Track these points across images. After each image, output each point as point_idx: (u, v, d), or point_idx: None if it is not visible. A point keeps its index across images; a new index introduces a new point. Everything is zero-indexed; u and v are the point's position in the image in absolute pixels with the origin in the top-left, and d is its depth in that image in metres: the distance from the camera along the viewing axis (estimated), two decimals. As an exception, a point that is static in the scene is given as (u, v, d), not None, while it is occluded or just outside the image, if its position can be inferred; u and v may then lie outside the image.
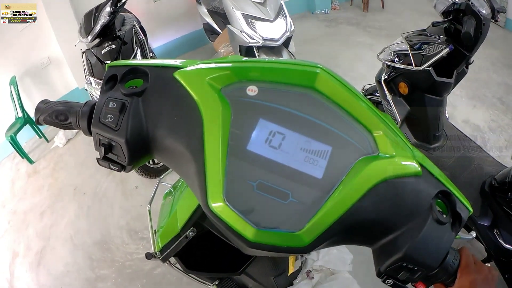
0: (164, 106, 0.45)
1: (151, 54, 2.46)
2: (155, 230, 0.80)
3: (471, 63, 1.59)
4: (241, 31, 2.41)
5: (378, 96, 1.83)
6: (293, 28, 2.48)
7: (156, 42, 3.77)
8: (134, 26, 2.32)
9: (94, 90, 2.09)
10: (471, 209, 0.45)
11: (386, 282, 0.44)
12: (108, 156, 0.47)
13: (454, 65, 1.53)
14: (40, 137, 3.14)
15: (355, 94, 0.43)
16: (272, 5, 2.47)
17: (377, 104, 1.84)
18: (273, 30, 2.41)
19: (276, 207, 0.38)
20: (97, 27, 2.09)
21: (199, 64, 0.46)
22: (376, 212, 0.40)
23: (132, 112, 0.45)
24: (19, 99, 2.87)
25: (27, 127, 2.97)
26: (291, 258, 0.78)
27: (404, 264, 0.41)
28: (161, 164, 2.35)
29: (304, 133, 0.41)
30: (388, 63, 1.61)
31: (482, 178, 1.48)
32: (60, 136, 3.02)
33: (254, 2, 2.45)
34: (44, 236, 2.28)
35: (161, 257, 0.72)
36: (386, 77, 1.65)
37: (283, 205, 0.38)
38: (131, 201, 2.40)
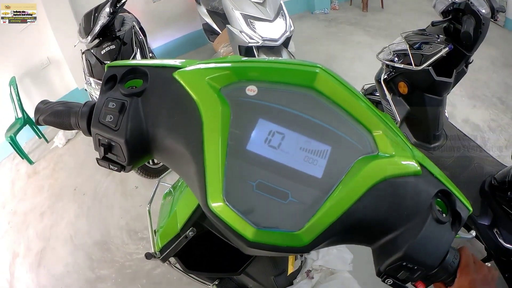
0: (163, 106, 0.45)
1: (150, 55, 2.47)
2: (155, 230, 0.80)
3: (470, 63, 1.59)
4: (240, 31, 2.41)
5: (377, 95, 1.83)
6: (292, 28, 2.48)
7: (155, 42, 3.77)
8: (133, 26, 2.32)
9: (93, 91, 2.09)
10: (471, 208, 0.45)
11: (386, 282, 0.44)
12: (107, 156, 0.47)
13: (454, 64, 1.53)
14: (39, 137, 3.14)
15: (354, 93, 0.43)
16: (271, 5, 2.47)
17: (377, 104, 1.84)
18: (273, 30, 2.41)
19: (276, 207, 0.38)
20: (97, 28, 2.09)
21: (198, 64, 0.46)
22: (376, 212, 0.40)
23: (131, 112, 0.45)
24: (19, 99, 2.87)
25: (27, 127, 2.97)
26: (291, 258, 0.77)
27: (404, 264, 0.41)
28: (161, 164, 2.35)
29: (304, 133, 0.41)
30: (387, 62, 1.61)
31: (482, 178, 1.48)
32: (59, 137, 3.02)
33: (254, 2, 2.45)
34: (44, 237, 2.28)
35: (161, 257, 0.71)
36: (385, 76, 1.65)
37: (283, 205, 0.38)
38: (131, 201, 2.40)
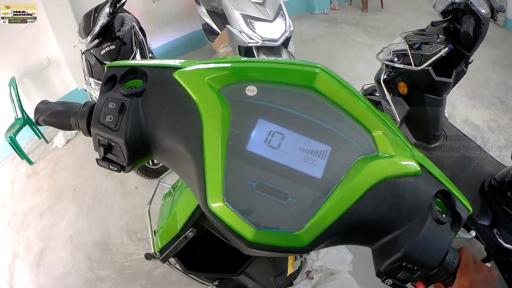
0: (163, 107, 0.45)
1: (150, 55, 2.46)
2: (154, 231, 0.80)
3: (470, 63, 1.59)
4: (240, 32, 2.41)
5: (377, 96, 1.83)
6: (292, 28, 2.48)
7: (155, 42, 3.77)
8: (133, 26, 2.32)
9: (93, 91, 2.09)
10: (470, 208, 0.45)
11: (385, 282, 0.44)
12: (107, 157, 0.47)
13: (454, 64, 1.53)
14: (39, 138, 3.14)
15: (354, 94, 0.43)
16: (271, 5, 2.47)
17: (377, 104, 1.84)
18: (272, 30, 2.41)
19: (276, 207, 0.38)
20: (96, 28, 2.09)
21: (198, 64, 0.46)
22: (376, 212, 0.40)
23: (131, 113, 0.45)
24: (19, 100, 2.87)
25: (27, 128, 2.97)
26: (291, 258, 0.77)
27: (404, 264, 0.41)
28: (161, 164, 2.35)
29: (303, 133, 0.41)
30: (387, 63, 1.61)
31: (482, 178, 1.48)
32: (59, 137, 3.02)
33: (253, 2, 2.45)
34: (44, 237, 2.28)
35: (161, 257, 0.71)
36: (385, 77, 1.65)
37: (283, 205, 0.38)
38: (131, 201, 2.40)
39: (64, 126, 0.52)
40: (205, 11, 3.29)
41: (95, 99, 0.53)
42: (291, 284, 0.83)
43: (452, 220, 0.43)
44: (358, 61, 3.40)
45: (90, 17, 2.12)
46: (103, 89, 0.47)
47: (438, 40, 1.49)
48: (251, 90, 0.42)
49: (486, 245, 1.36)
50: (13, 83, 2.86)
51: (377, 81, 1.72)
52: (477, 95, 2.79)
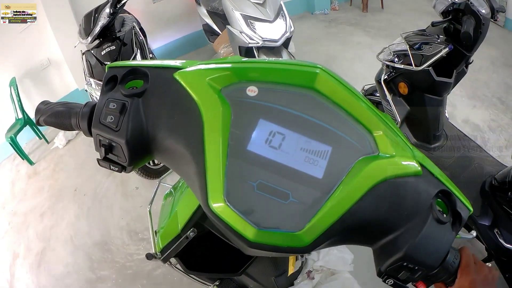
0: (164, 107, 0.45)
1: (150, 55, 2.47)
2: (155, 231, 0.80)
3: (470, 63, 1.59)
4: (240, 32, 2.41)
5: (378, 96, 1.83)
6: (292, 28, 2.48)
7: (155, 43, 3.78)
8: (133, 27, 2.32)
9: (94, 91, 2.09)
10: (471, 208, 0.45)
11: (386, 282, 0.44)
12: (108, 157, 0.47)
13: (454, 65, 1.53)
14: (40, 138, 3.14)
15: (355, 94, 0.43)
16: (271, 5, 2.47)
17: (377, 104, 1.84)
18: (273, 30, 2.41)
19: (277, 207, 0.38)
20: (97, 28, 2.09)
21: (199, 64, 0.46)
22: (376, 212, 0.40)
23: (132, 113, 0.45)
24: (19, 100, 2.87)
25: (27, 128, 2.97)
26: (292, 259, 0.78)
27: (405, 264, 0.41)
28: (161, 165, 2.35)
29: (304, 133, 0.41)
30: (387, 63, 1.61)
31: (482, 178, 1.48)
32: (60, 137, 3.02)
33: (254, 2, 2.45)
34: (45, 237, 2.28)
35: (162, 257, 0.72)
36: (386, 77, 1.65)
37: (284, 205, 0.38)
38: (131, 202, 2.40)
39: (65, 126, 0.52)
40: (205, 11, 3.29)
41: (95, 100, 0.53)
42: (292, 284, 0.83)
43: (452, 220, 0.43)
44: (359, 61, 3.40)
45: (91, 18, 2.13)
46: (104, 90, 0.47)
47: (439, 40, 1.49)
48: (252, 91, 0.42)
49: (486, 245, 1.36)
50: (13, 83, 2.86)
51: (378, 81, 1.72)
52: (478, 95, 2.79)
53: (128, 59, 2.17)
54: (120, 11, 2.23)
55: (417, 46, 1.52)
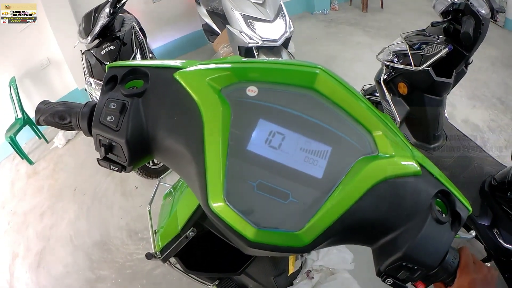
0: (164, 107, 0.45)
1: (150, 55, 2.47)
2: (155, 231, 0.80)
3: (470, 63, 1.59)
4: (240, 32, 2.41)
5: (377, 96, 1.83)
6: (292, 28, 2.48)
7: (155, 43, 3.78)
8: (133, 27, 2.32)
9: (93, 91, 2.09)
10: (470, 208, 0.45)
11: (386, 282, 0.44)
12: (108, 157, 0.47)
13: (454, 65, 1.53)
14: (39, 138, 3.14)
15: (354, 94, 0.43)
16: (271, 5, 2.47)
17: (377, 104, 1.84)
18: (273, 30, 2.41)
19: (276, 207, 0.38)
20: (97, 28, 2.09)
21: (199, 64, 0.47)
22: (376, 212, 0.40)
23: (132, 113, 0.45)
24: (19, 100, 2.87)
25: (27, 128, 2.97)
26: (291, 258, 0.78)
27: (404, 264, 0.41)
28: (161, 164, 2.35)
29: (304, 134, 0.41)
30: (387, 63, 1.61)
31: (482, 178, 1.48)
32: (59, 137, 3.02)
33: (254, 2, 2.45)
34: (44, 237, 2.28)
35: (162, 257, 0.72)
36: (385, 77, 1.65)
37: (283, 205, 0.39)
38: (131, 201, 2.40)
39: (65, 126, 0.52)
40: (205, 11, 3.29)
41: (95, 99, 0.53)
42: (292, 284, 0.83)
43: (452, 220, 0.43)
44: (358, 61, 3.40)
45: (91, 17, 2.13)
46: (104, 90, 0.48)
47: (438, 40, 1.49)
48: (251, 91, 0.42)
49: (486, 245, 1.36)
50: (13, 83, 2.86)
51: (377, 81, 1.72)
52: (477, 95, 2.79)
53: (128, 59, 2.17)
54: (120, 11, 2.22)
55: (416, 46, 1.52)
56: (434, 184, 0.44)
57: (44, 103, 0.55)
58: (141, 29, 2.47)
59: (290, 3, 4.18)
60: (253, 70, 0.43)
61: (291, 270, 0.77)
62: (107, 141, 0.46)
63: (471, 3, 1.38)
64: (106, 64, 2.07)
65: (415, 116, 1.68)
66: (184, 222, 0.67)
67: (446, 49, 1.42)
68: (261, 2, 2.47)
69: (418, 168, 0.42)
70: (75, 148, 2.99)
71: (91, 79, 2.13)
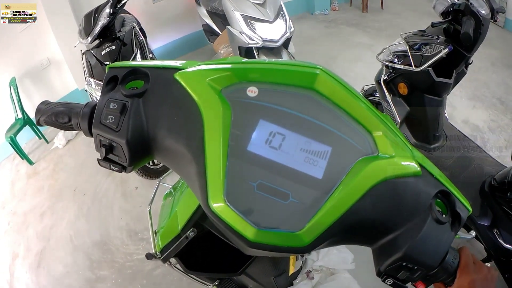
0: (164, 107, 0.45)
1: (150, 55, 2.47)
2: (155, 231, 0.80)
3: (470, 64, 1.59)
4: (240, 32, 2.41)
5: (377, 96, 1.83)
6: (292, 29, 2.49)
7: (155, 43, 3.78)
8: (133, 27, 2.32)
9: (94, 91, 2.09)
10: (470, 209, 0.45)
11: (386, 282, 0.44)
12: (109, 157, 0.47)
13: (454, 65, 1.53)
14: (40, 138, 3.14)
15: (354, 94, 0.43)
16: (271, 6, 2.47)
17: (377, 105, 1.84)
18: (273, 31, 2.41)
19: (277, 207, 0.39)
20: (97, 28, 2.09)
21: (199, 65, 0.47)
22: (376, 212, 0.40)
23: (132, 113, 0.45)
24: (19, 100, 2.87)
25: (27, 128, 2.97)
26: (292, 258, 0.78)
27: (404, 264, 0.41)
28: (161, 165, 2.35)
29: (304, 134, 0.41)
30: (387, 63, 1.62)
31: (482, 178, 1.48)
32: (60, 137, 3.02)
33: (254, 3, 2.45)
34: (44, 237, 2.28)
35: (162, 257, 0.72)
36: (385, 77, 1.66)
37: (283, 205, 0.39)
38: (131, 202, 2.40)
39: (66, 126, 0.52)
40: (205, 11, 3.29)
41: (95, 100, 0.53)
42: (292, 284, 0.83)
43: (452, 220, 0.43)
44: (358, 61, 3.40)
45: (91, 18, 2.13)
46: (105, 90, 0.48)
47: (438, 41, 1.49)
48: (252, 91, 0.42)
49: (486, 245, 1.36)
50: (13, 83, 2.86)
51: (377, 81, 1.72)
52: (477, 95, 2.79)
53: (128, 59, 2.17)
54: (120, 11, 2.23)
55: (417, 46, 1.52)
56: (434, 184, 0.44)
57: (45, 103, 0.55)
58: (141, 29, 2.48)
59: (290, 4, 4.18)
60: (254, 70, 0.43)
61: (291, 270, 0.77)
62: (107, 141, 0.46)
63: (471, 4, 1.39)
64: (107, 64, 2.07)
65: (415, 116, 1.68)
66: (184, 223, 0.67)
67: (446, 50, 1.42)
68: (261, 2, 2.47)
69: (418, 169, 0.42)
70: (75, 149, 2.99)
71: (91, 80, 2.13)
